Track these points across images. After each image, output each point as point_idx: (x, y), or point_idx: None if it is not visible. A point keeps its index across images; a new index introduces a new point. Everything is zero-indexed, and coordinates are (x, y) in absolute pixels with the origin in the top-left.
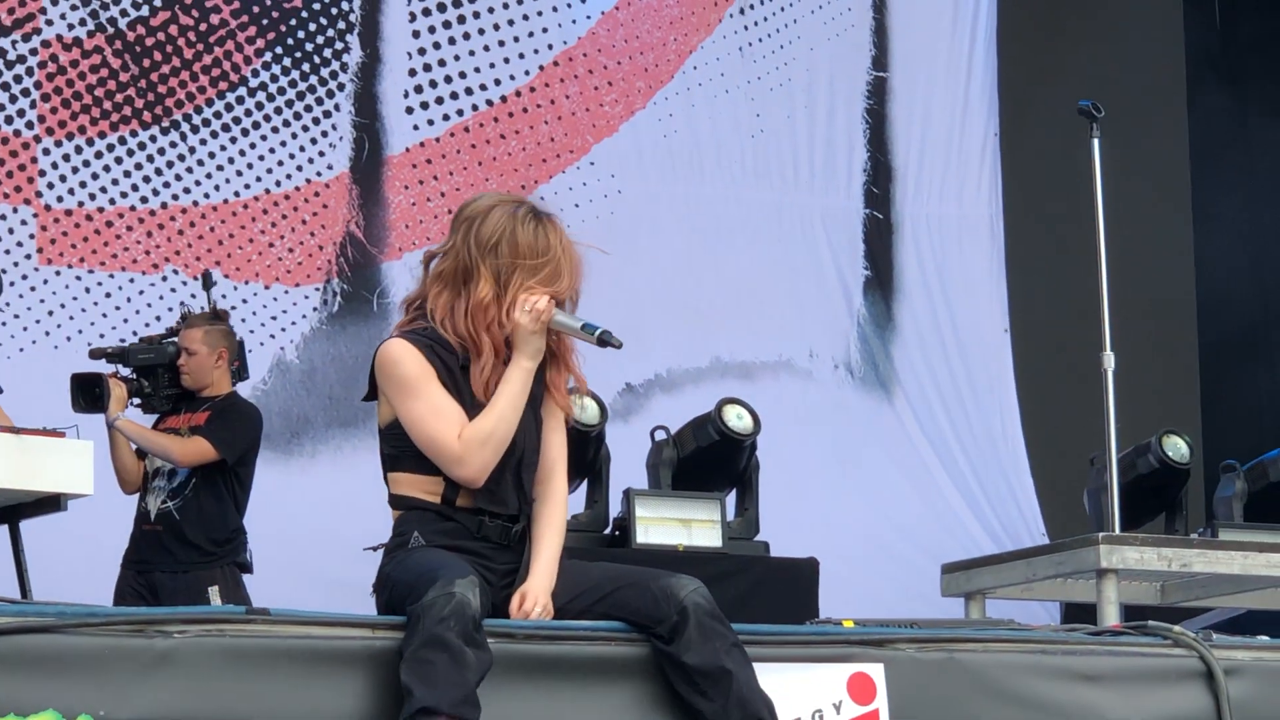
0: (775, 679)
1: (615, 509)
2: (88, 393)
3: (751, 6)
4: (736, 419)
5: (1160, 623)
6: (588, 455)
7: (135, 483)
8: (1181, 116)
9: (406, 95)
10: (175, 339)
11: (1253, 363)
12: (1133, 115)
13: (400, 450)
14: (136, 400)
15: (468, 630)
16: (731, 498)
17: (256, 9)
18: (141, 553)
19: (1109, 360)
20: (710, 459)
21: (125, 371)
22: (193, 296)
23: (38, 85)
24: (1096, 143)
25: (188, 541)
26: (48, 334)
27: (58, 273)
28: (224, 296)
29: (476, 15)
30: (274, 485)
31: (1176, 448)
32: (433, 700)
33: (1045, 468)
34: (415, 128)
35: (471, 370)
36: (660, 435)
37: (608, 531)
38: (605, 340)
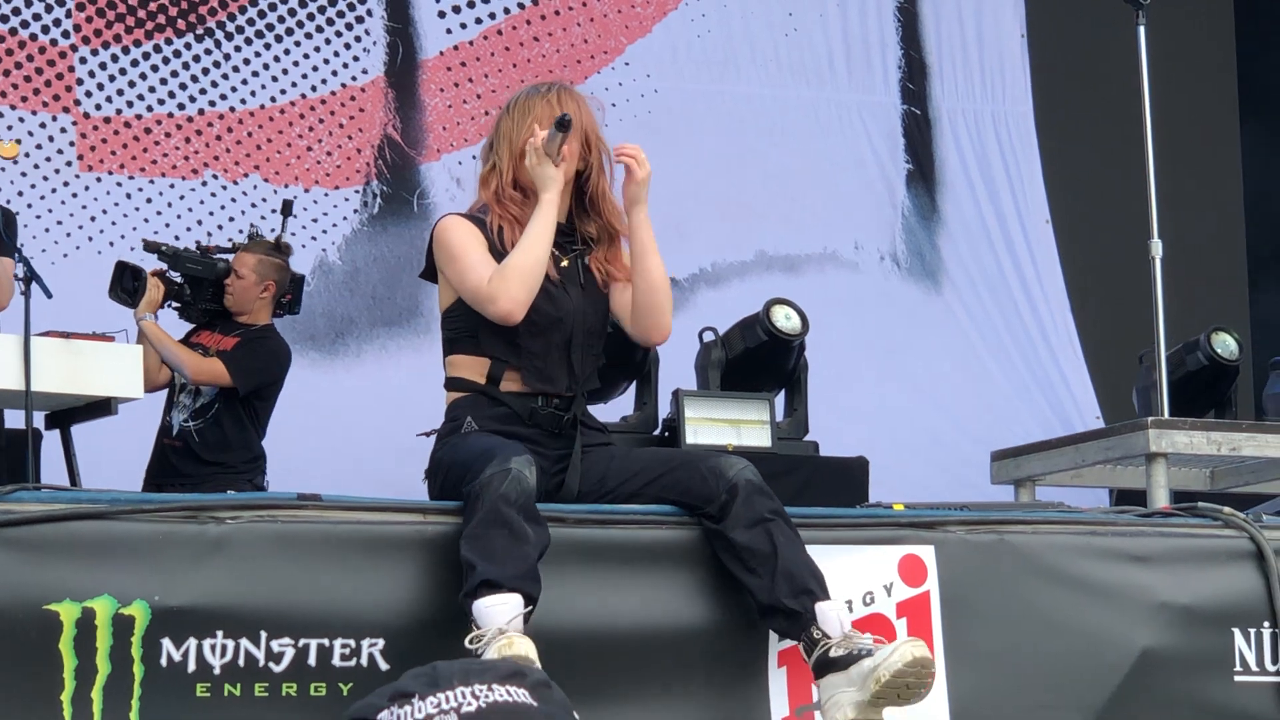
0: (826, 562)
1: (664, 410)
2: (125, 284)
3: None
4: (785, 319)
5: (1210, 504)
6: (635, 356)
7: (155, 383)
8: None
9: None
10: (228, 256)
11: None
12: (1176, 4)
13: (456, 332)
14: (175, 304)
15: (527, 506)
16: (780, 397)
17: None
18: (161, 467)
19: (1156, 248)
20: (759, 359)
21: (175, 275)
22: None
23: None
24: (1142, 30)
25: (205, 461)
26: (90, 239)
27: (98, 179)
28: (266, 203)
29: None
30: (320, 385)
31: (1225, 344)
32: (495, 574)
33: (1096, 361)
34: (448, 31)
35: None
36: (708, 336)
37: (657, 433)
38: (562, 124)
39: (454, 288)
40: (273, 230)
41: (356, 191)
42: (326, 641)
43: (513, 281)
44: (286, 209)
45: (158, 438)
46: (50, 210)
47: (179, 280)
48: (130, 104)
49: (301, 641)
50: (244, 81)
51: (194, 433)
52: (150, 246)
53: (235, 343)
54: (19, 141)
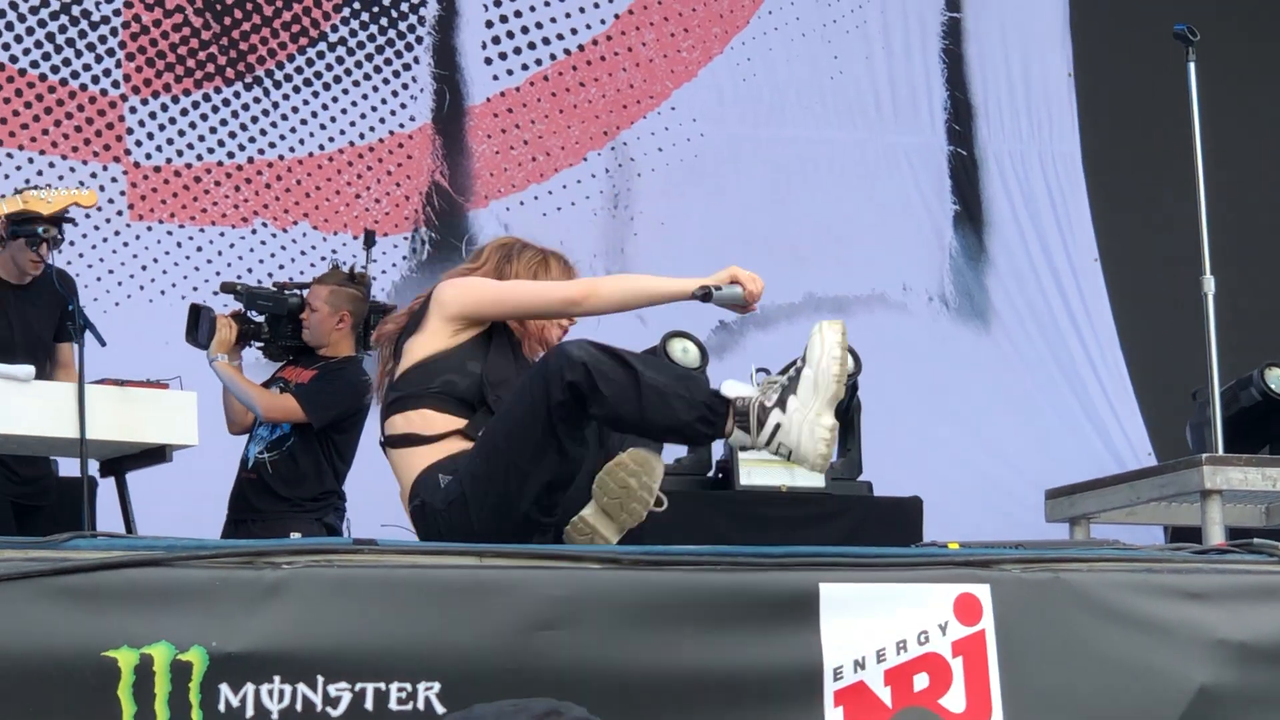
0: (880, 603)
1: (718, 452)
2: (196, 326)
3: None
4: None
5: (1267, 540)
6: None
7: (242, 424)
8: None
9: (484, 46)
10: (302, 291)
11: None
12: (1224, 40)
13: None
14: (258, 343)
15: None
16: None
17: None
18: (237, 500)
19: (1209, 284)
20: None
21: (254, 315)
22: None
23: (122, 45)
24: (1192, 66)
25: (276, 495)
26: (142, 288)
27: (149, 228)
28: (315, 250)
29: None
30: (367, 433)
31: (1279, 380)
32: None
33: (1147, 399)
34: (495, 78)
35: None
36: (760, 378)
37: (710, 474)
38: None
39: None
40: (354, 257)
41: (405, 238)
42: (383, 685)
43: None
44: (368, 239)
45: (239, 469)
46: (102, 259)
47: (258, 319)
48: (180, 153)
49: (358, 685)
50: (292, 130)
51: (268, 465)
52: (226, 287)
53: (312, 376)
54: (102, 188)
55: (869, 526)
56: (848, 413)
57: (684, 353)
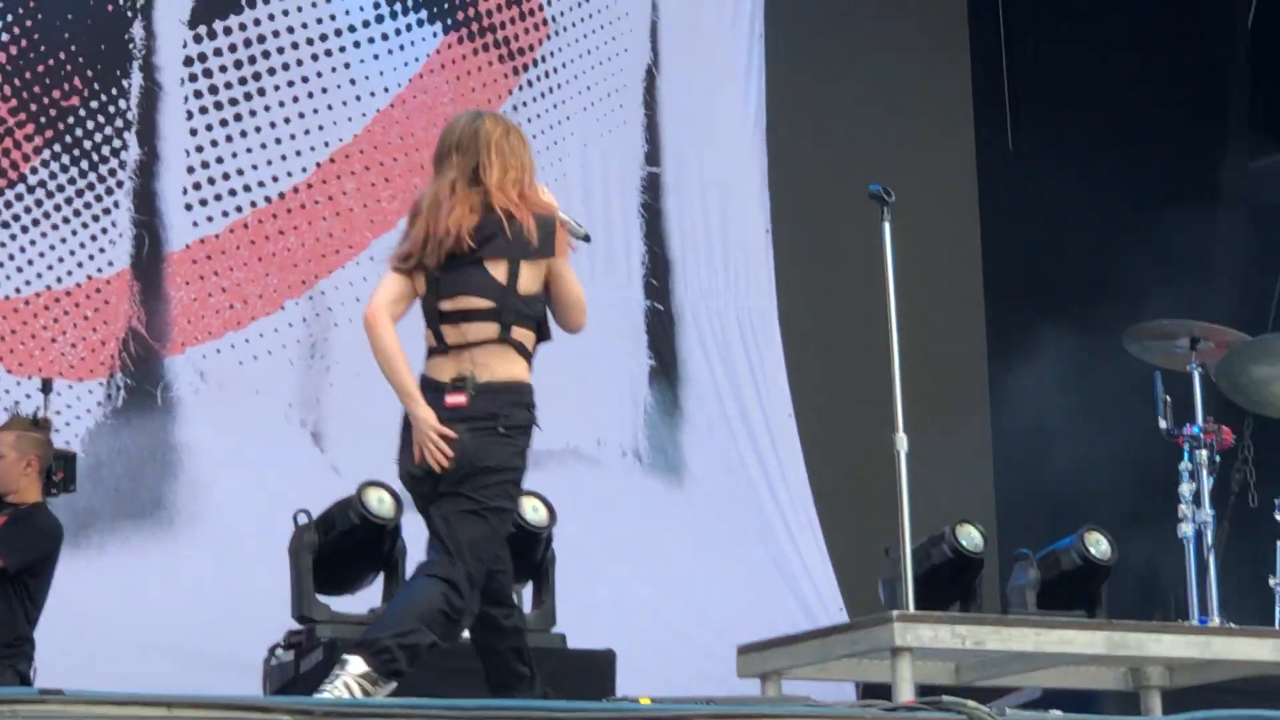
0: None
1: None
2: None
3: (525, 104)
4: (533, 511)
5: (954, 697)
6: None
7: None
8: (972, 202)
9: (185, 192)
10: None
11: (1046, 449)
12: (920, 200)
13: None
14: None
15: None
16: (528, 589)
17: (34, 107)
18: None
19: (902, 442)
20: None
21: None
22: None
23: None
24: (888, 226)
25: None
26: None
27: None
28: (12, 394)
29: (253, 113)
30: (61, 578)
31: (970, 537)
32: None
33: (840, 554)
34: (195, 224)
35: None
36: None
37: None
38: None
39: (564, 285)
40: (36, 411)
41: (101, 384)
42: None
43: None
44: (46, 387)
45: None
46: None
47: None
48: None
49: None
50: None
51: None
52: None
53: (3, 521)
54: None
55: (562, 678)
56: (541, 565)
57: (380, 503)
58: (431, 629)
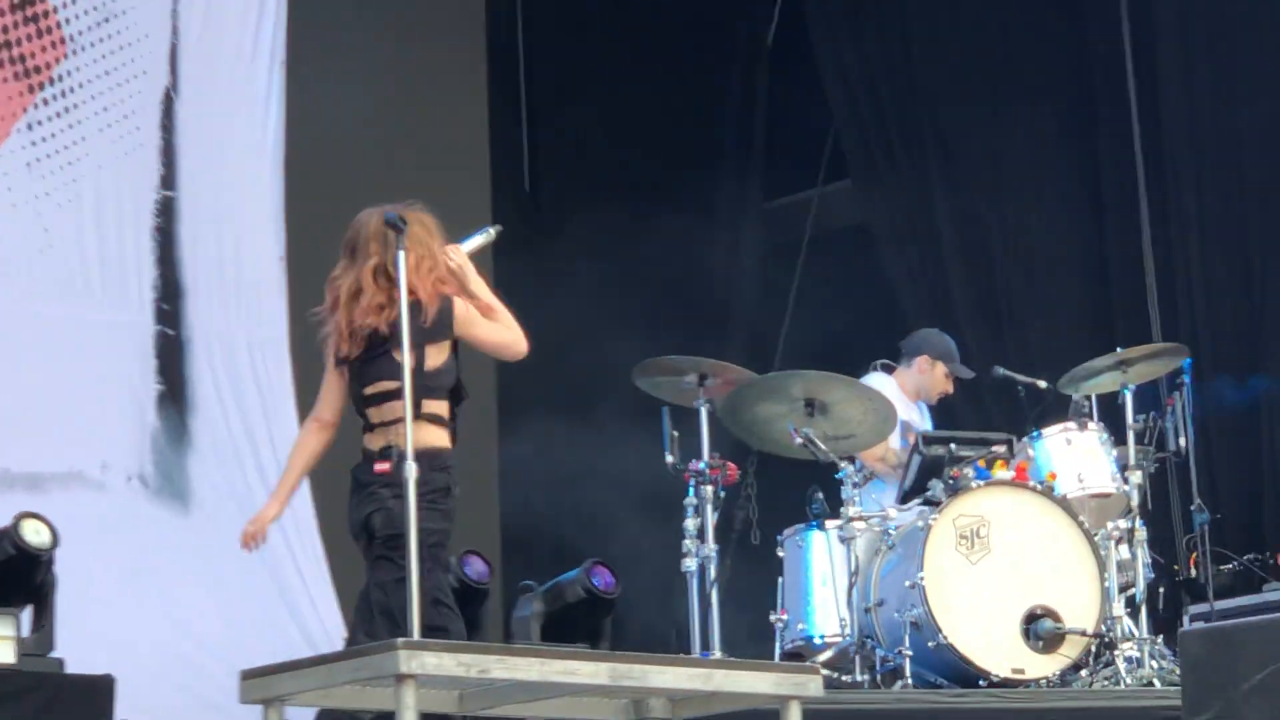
0: None
1: None
2: None
3: (40, 123)
4: (34, 534)
5: None
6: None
7: None
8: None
9: None
10: None
11: (554, 480)
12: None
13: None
14: None
15: None
16: (27, 613)
17: None
18: None
19: (411, 470)
20: (3, 574)
21: None
22: None
23: None
24: (403, 254)
25: None
26: None
27: None
28: None
29: None
30: None
31: (475, 566)
32: None
33: (348, 585)
34: None
35: None
36: None
37: None
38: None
39: (482, 342)
40: None
41: None
42: None
43: None
44: None
45: None
46: None
47: None
48: None
49: None
50: None
51: None
52: None
53: None
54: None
55: (60, 704)
56: (41, 588)
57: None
58: None
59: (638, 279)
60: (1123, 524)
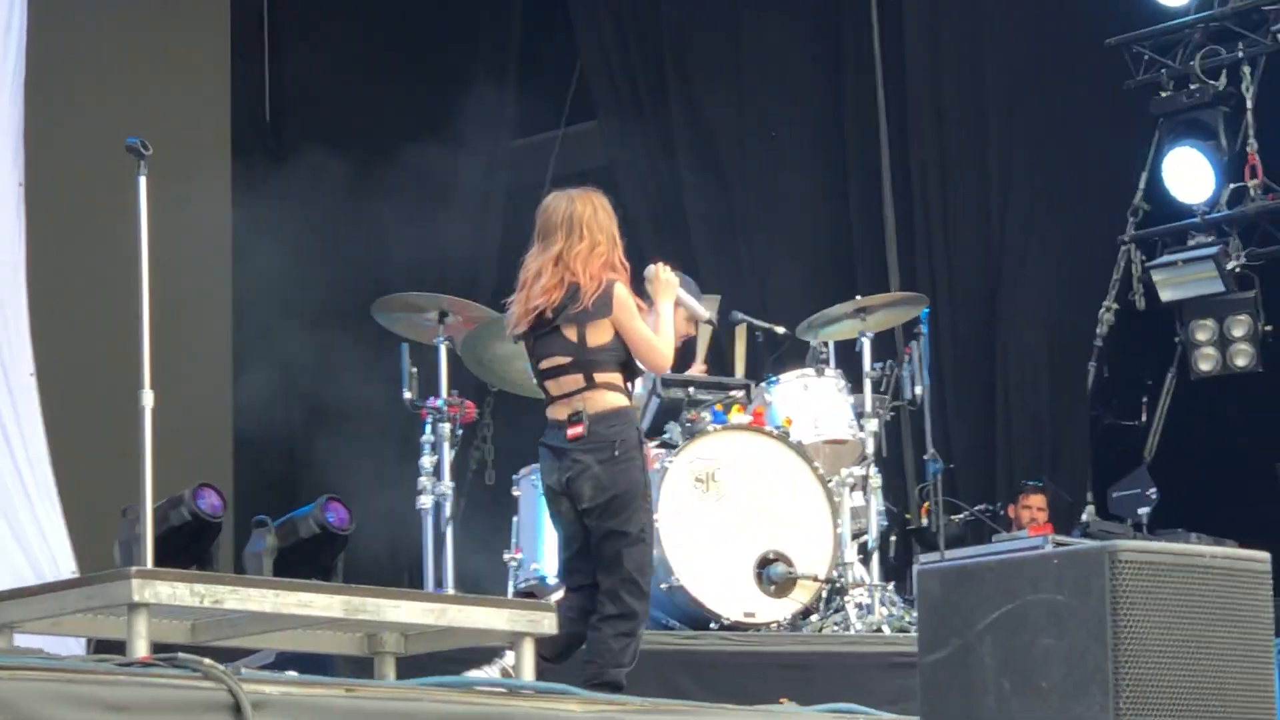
0: None
1: None
2: None
3: None
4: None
5: (190, 655)
6: None
7: None
8: (225, 169)
9: None
10: None
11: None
12: (178, 163)
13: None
14: None
15: None
16: None
17: None
18: None
19: (148, 398)
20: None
21: None
22: None
23: None
24: (143, 180)
25: None
26: None
27: None
28: None
29: None
30: None
31: (208, 499)
32: None
33: (77, 515)
34: None
35: None
36: None
37: None
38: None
39: (627, 336)
40: None
41: None
42: None
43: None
44: None
45: None
46: None
47: None
48: None
49: None
50: None
51: None
52: None
53: None
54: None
55: None
56: None
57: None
58: None
59: (381, 213)
60: (857, 471)
